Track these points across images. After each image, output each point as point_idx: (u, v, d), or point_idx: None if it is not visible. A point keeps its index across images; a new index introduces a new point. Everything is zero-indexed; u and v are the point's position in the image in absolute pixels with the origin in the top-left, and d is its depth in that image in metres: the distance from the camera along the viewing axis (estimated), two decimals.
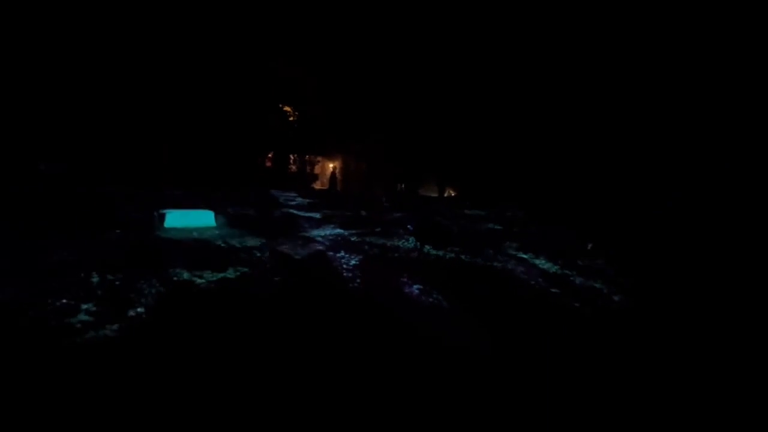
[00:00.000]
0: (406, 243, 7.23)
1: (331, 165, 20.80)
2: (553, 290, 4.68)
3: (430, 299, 3.91)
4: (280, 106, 18.07)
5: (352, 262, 5.32)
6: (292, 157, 20.08)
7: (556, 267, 6.16)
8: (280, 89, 17.23)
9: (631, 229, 8.52)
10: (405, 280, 4.59)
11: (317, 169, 21.30)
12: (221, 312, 3.07)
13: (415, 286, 4.37)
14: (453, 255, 6.65)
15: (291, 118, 18.45)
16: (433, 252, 6.63)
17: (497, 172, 14.32)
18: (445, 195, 17.37)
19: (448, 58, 15.15)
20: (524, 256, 7.01)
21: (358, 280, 4.37)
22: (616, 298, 4.69)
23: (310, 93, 17.85)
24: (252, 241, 5.99)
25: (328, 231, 7.81)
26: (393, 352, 2.64)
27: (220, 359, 2.37)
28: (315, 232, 7.50)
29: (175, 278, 3.74)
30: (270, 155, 19.40)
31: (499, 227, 9.53)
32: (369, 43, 15.71)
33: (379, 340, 2.82)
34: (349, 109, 17.28)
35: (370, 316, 3.30)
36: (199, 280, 3.78)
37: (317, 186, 19.72)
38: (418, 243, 6.77)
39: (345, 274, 4.58)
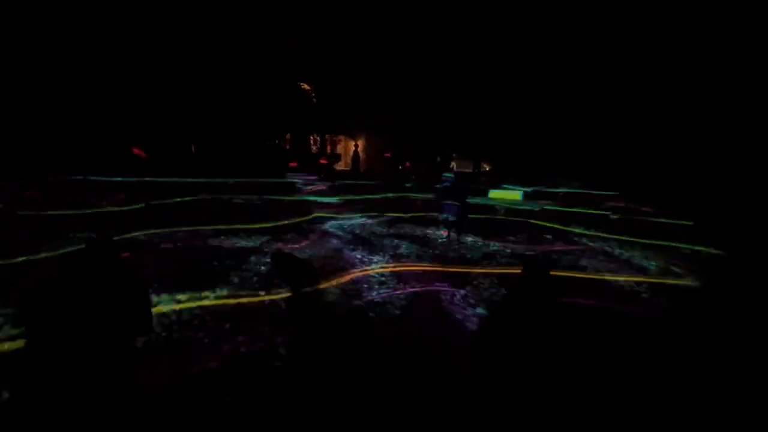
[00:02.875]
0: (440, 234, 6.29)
1: (353, 144, 19.73)
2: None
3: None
4: (299, 84, 16.90)
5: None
6: (312, 137, 19.07)
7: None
8: (295, 65, 16.02)
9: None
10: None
11: (339, 149, 20.26)
12: None
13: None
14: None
15: (312, 94, 17.27)
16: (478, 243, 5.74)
17: (540, 145, 12.98)
18: (480, 170, 16.14)
19: (483, 16, 13.54)
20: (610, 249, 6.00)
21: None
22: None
23: (326, 67, 16.55)
24: None
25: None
26: None
27: None
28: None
29: None
30: (288, 136, 18.44)
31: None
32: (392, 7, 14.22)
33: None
34: (371, 81, 15.98)
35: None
36: None
37: (340, 167, 18.78)
38: (455, 233, 5.82)
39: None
